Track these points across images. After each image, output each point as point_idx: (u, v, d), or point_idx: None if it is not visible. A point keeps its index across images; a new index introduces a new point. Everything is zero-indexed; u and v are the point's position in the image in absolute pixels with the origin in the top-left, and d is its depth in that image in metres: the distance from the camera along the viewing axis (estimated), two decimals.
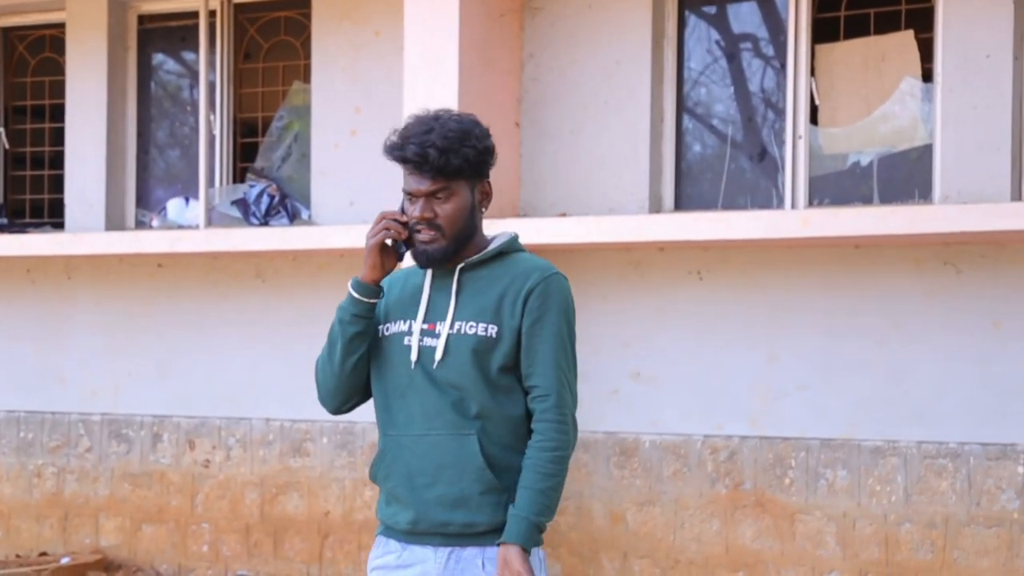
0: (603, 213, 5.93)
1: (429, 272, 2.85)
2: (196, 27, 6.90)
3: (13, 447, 7.12)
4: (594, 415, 5.95)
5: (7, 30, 7.37)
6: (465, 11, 5.71)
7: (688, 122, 6.11)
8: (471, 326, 2.76)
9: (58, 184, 7.20)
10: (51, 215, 7.26)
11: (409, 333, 2.82)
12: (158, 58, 7.19)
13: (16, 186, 7.41)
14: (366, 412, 6.46)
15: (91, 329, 6.94)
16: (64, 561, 6.70)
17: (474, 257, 2.82)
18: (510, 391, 2.76)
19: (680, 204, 6.04)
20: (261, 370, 6.60)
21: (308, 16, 6.68)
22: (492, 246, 2.84)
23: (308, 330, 6.52)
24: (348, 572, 6.40)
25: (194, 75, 7.04)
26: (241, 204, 6.71)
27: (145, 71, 7.12)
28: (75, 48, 7.03)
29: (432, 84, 5.72)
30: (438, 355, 2.77)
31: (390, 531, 2.91)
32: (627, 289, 5.97)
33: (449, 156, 2.75)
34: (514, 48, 6.10)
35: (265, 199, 6.65)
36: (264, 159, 6.85)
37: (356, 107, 6.47)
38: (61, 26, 7.16)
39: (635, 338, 5.94)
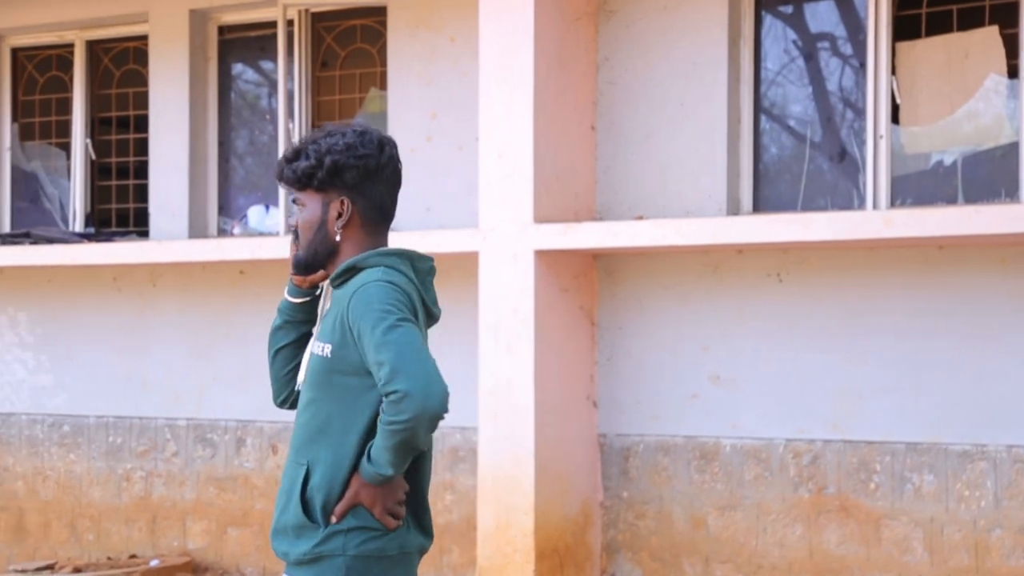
0: (680, 216, 5.73)
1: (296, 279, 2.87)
2: (275, 37, 6.81)
3: (102, 451, 7.08)
4: (673, 419, 5.77)
5: (92, 43, 7.33)
6: (540, 15, 5.56)
7: (765, 123, 5.90)
8: (318, 346, 2.75)
9: (143, 193, 7.15)
10: (136, 224, 7.21)
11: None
12: (237, 68, 7.12)
13: (102, 196, 7.38)
14: (448, 416, 6.34)
15: (175, 335, 6.88)
16: (153, 564, 6.64)
17: (334, 274, 2.77)
18: (352, 414, 2.68)
19: (758, 206, 5.82)
20: None
21: (384, 24, 6.56)
22: (346, 262, 2.75)
23: None
24: (422, 575, 6.27)
25: (273, 84, 6.95)
26: None
27: (225, 81, 7.05)
28: (158, 59, 6.98)
29: (507, 89, 5.58)
30: (301, 377, 2.82)
31: None
32: (705, 292, 5.78)
33: (284, 168, 2.79)
34: (589, 51, 5.92)
35: None
36: None
37: (432, 113, 6.33)
38: (144, 38, 7.11)
39: (714, 341, 5.75)
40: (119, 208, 7.33)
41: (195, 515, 6.82)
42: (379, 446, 2.62)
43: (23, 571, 6.69)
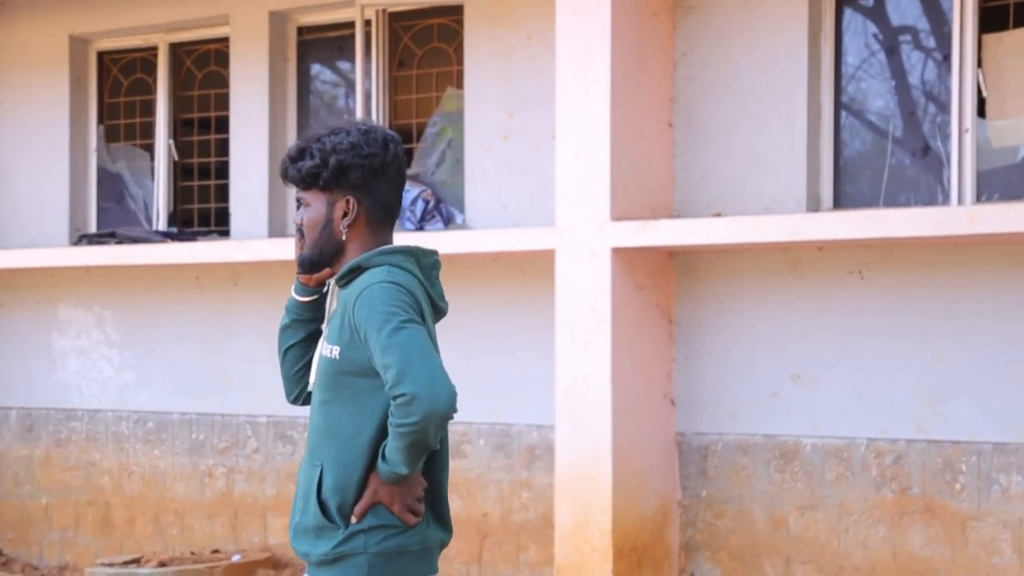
0: (759, 213, 5.62)
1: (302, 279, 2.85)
2: (352, 37, 6.81)
3: (186, 448, 7.14)
4: (752, 418, 5.66)
5: (175, 46, 7.39)
6: (617, 12, 5.48)
7: (846, 118, 5.76)
8: (326, 348, 2.74)
9: (224, 193, 7.19)
10: (217, 223, 7.26)
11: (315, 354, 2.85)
12: (315, 68, 7.13)
13: (185, 196, 7.44)
14: (525, 414, 6.31)
15: (256, 333, 6.90)
16: (235, 559, 6.68)
17: (339, 275, 2.75)
18: (364, 415, 2.67)
19: (839, 202, 5.69)
20: None
21: (460, 22, 6.52)
22: (350, 262, 2.73)
23: (461, 333, 6.37)
24: (507, 573, 6.22)
25: (350, 84, 6.95)
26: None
27: (304, 81, 7.07)
28: (239, 61, 7.01)
29: (584, 86, 5.51)
30: (311, 378, 2.80)
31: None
32: (784, 290, 5.66)
33: (290, 166, 2.77)
34: (667, 48, 5.83)
35: (420, 204, 6.52)
36: (419, 165, 6.72)
37: (508, 111, 6.28)
38: (225, 40, 7.15)
39: (794, 339, 5.63)
40: (201, 208, 7.38)
41: (275, 511, 6.84)
42: (392, 447, 2.62)
43: (111, 564, 6.76)
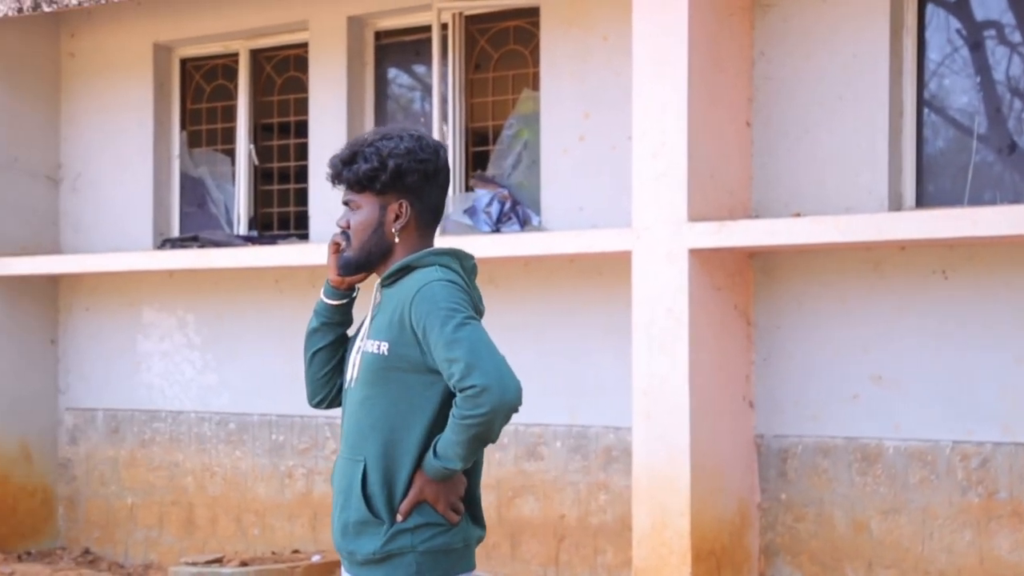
0: (840, 212, 5.52)
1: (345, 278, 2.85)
2: (429, 41, 6.81)
3: (266, 449, 7.19)
4: (833, 420, 5.56)
5: (256, 52, 7.46)
6: (694, 12, 5.42)
7: (929, 115, 5.64)
8: (372, 344, 2.74)
9: (303, 197, 7.24)
10: (297, 227, 7.31)
11: (351, 352, 2.85)
12: (392, 72, 7.15)
13: (265, 200, 7.50)
14: (601, 415, 6.26)
15: None
16: (315, 559, 6.70)
17: (386, 273, 2.78)
18: (411, 410, 2.69)
19: (922, 201, 5.57)
20: None
21: (536, 24, 6.50)
22: (399, 262, 2.77)
23: (538, 334, 6.34)
24: None
25: (426, 87, 6.96)
26: (473, 212, 6.59)
27: (381, 85, 7.09)
28: (317, 66, 7.06)
29: (661, 86, 5.45)
30: (355, 373, 2.78)
31: (333, 542, 2.91)
32: (866, 290, 5.55)
33: (343, 167, 2.78)
34: (744, 46, 5.75)
35: (496, 206, 6.50)
36: (495, 167, 6.70)
37: (585, 112, 6.25)
38: (304, 46, 7.20)
39: (875, 340, 5.52)
40: (280, 212, 7.43)
41: None
42: (450, 440, 2.63)
43: (194, 563, 6.83)
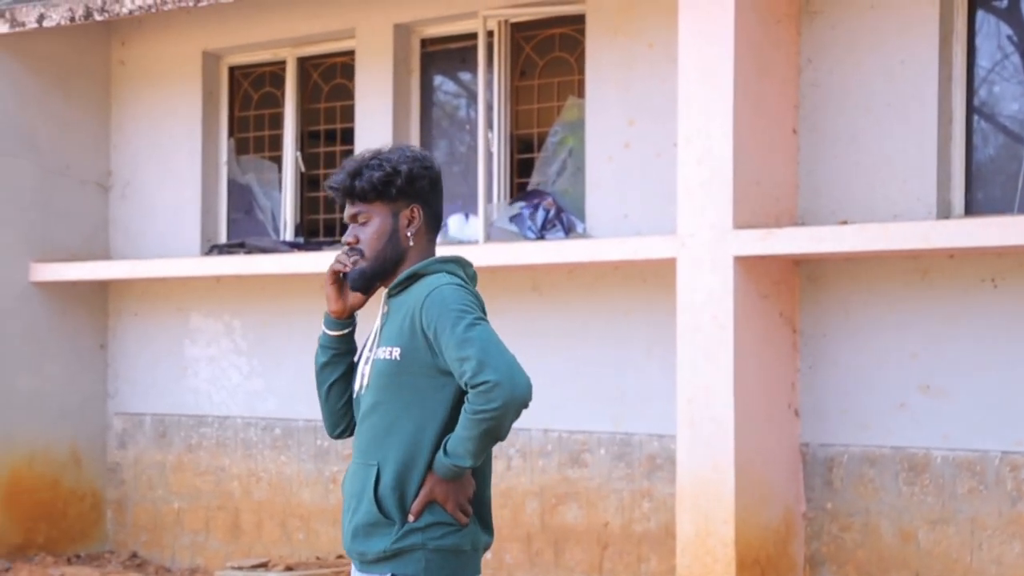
0: (887, 220, 5.46)
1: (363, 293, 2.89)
2: (475, 48, 6.82)
3: (311, 454, 7.22)
4: (880, 429, 5.49)
5: (303, 60, 7.50)
6: (740, 19, 5.39)
7: (978, 122, 5.57)
8: (383, 351, 2.79)
9: None
10: (342, 233, 7.31)
11: (359, 363, 2.90)
12: (438, 79, 7.16)
13: (311, 207, 7.53)
14: (646, 423, 6.23)
15: None
16: None
17: (394, 282, 2.83)
18: (424, 414, 2.74)
19: (970, 209, 5.50)
20: (537, 381, 6.35)
21: (582, 32, 6.49)
22: (408, 269, 2.82)
23: (582, 341, 6.33)
24: None
25: (472, 95, 6.96)
26: (518, 219, 6.59)
27: (427, 93, 7.10)
28: (363, 73, 7.08)
29: (707, 93, 5.42)
30: (364, 380, 2.83)
31: (344, 546, 2.95)
32: (913, 298, 5.49)
33: (355, 179, 2.81)
34: (791, 53, 5.71)
35: (541, 213, 6.49)
36: (540, 174, 6.69)
37: (630, 120, 6.23)
38: (351, 53, 7.23)
39: (923, 349, 5.45)
40: (326, 218, 7.46)
41: None
42: (461, 437, 2.68)
43: (239, 568, 6.87)
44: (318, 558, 7.04)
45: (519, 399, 2.66)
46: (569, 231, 6.44)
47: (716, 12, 5.38)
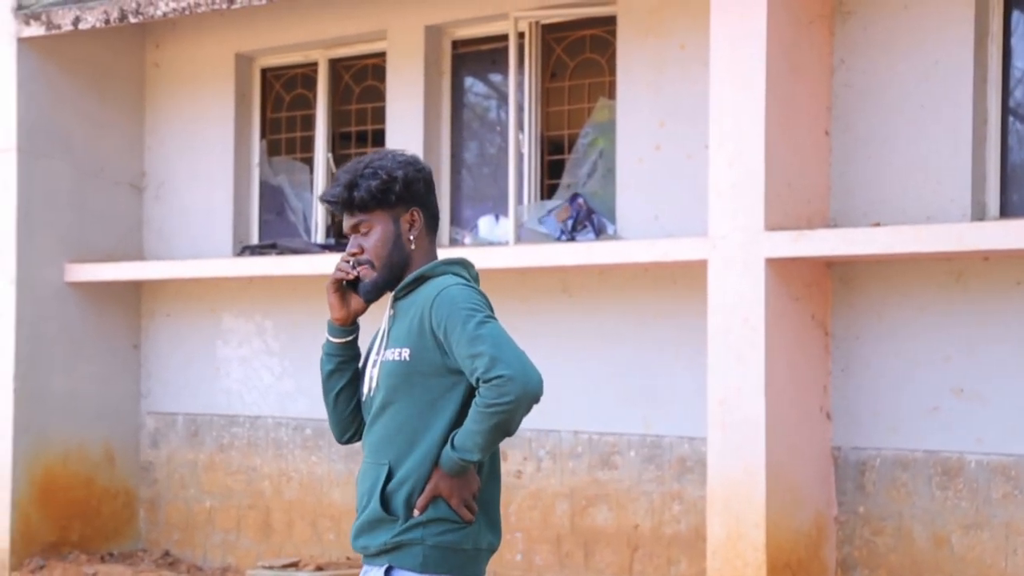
0: (920, 222, 5.40)
1: (373, 301, 2.90)
2: (505, 50, 6.79)
3: (341, 455, 7.21)
4: (913, 433, 5.43)
5: (334, 61, 7.50)
6: (772, 20, 5.34)
7: (1014, 124, 5.49)
8: (392, 352, 2.81)
9: None
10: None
11: (367, 366, 2.93)
12: (469, 81, 7.15)
13: None
14: (676, 425, 6.19)
15: None
16: None
17: (400, 286, 2.85)
18: (434, 414, 2.76)
19: (1006, 211, 5.42)
20: (568, 383, 6.41)
21: (613, 33, 6.45)
22: (414, 273, 2.85)
23: (612, 343, 6.29)
24: None
25: (502, 96, 6.94)
26: (548, 220, 6.55)
27: (458, 94, 7.08)
28: (395, 75, 7.07)
29: (738, 95, 5.38)
30: (374, 383, 2.85)
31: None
32: (947, 301, 5.42)
33: (353, 191, 2.81)
34: (823, 54, 5.66)
35: (572, 215, 6.47)
36: (570, 175, 6.66)
37: (660, 121, 6.18)
38: (382, 55, 7.22)
39: (957, 352, 5.38)
40: None
41: None
42: (470, 431, 2.70)
43: (270, 567, 6.87)
44: (348, 558, 7.03)
45: (532, 393, 2.68)
46: (599, 232, 6.40)
47: (748, 13, 5.33)
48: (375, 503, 2.78)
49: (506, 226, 6.75)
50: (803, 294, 5.53)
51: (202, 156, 7.73)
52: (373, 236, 2.84)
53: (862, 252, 5.22)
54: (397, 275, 2.87)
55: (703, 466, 5.76)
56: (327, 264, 6.84)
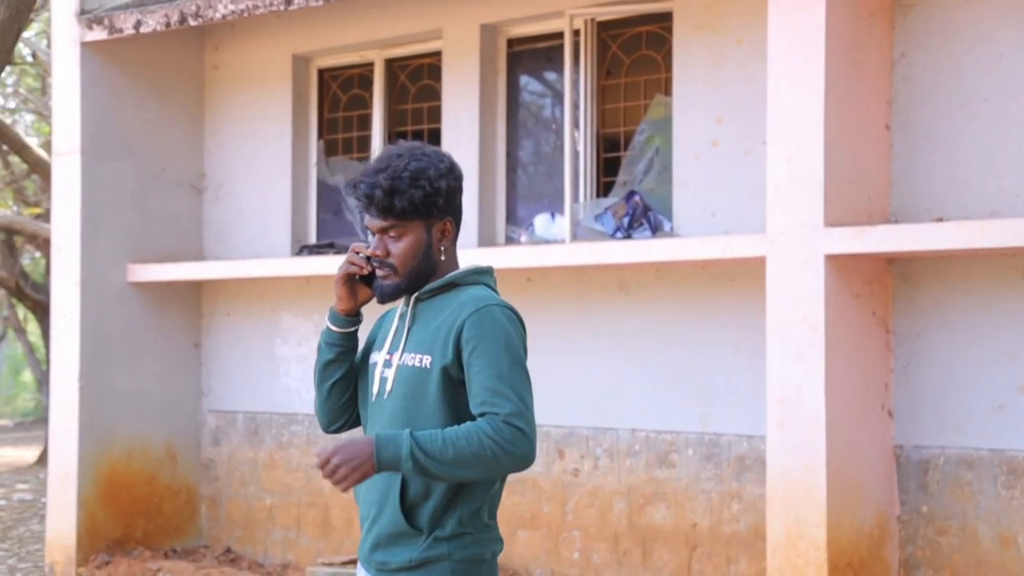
0: (984, 217, 5.28)
1: (402, 303, 2.82)
2: (561, 47, 6.75)
3: None
4: (977, 431, 5.32)
5: (391, 61, 7.50)
6: (832, 14, 5.25)
7: None
8: (412, 357, 2.73)
9: None
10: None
11: (377, 364, 2.82)
12: (524, 79, 7.11)
13: None
14: (734, 423, 6.11)
15: None
16: None
17: (427, 287, 2.77)
18: (446, 423, 2.67)
19: None
20: (624, 381, 6.36)
21: (669, 29, 6.38)
22: (444, 278, 2.77)
23: (669, 341, 6.23)
24: None
25: (558, 94, 6.90)
26: (604, 218, 6.50)
27: (513, 92, 7.05)
28: (450, 74, 7.05)
29: (797, 90, 5.29)
30: (388, 386, 2.75)
31: (360, 555, 2.87)
32: (1012, 298, 5.30)
33: (394, 198, 2.70)
34: (884, 48, 5.56)
35: (628, 212, 6.41)
36: (626, 173, 6.61)
37: (717, 117, 6.11)
38: (438, 54, 7.21)
39: (1022, 350, 5.26)
40: None
41: None
42: (452, 441, 2.56)
43: (330, 564, 6.89)
44: None
45: (528, 461, 2.61)
46: (656, 230, 6.34)
47: (807, 7, 5.25)
48: (396, 515, 2.69)
49: (562, 224, 6.71)
50: (864, 291, 5.44)
51: (260, 157, 7.77)
52: (404, 243, 2.74)
53: (924, 248, 5.12)
54: (421, 283, 2.78)
55: (762, 464, 5.68)
56: None
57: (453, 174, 2.77)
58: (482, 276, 2.80)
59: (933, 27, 5.47)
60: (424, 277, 2.77)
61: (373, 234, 2.78)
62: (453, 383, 2.68)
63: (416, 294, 2.78)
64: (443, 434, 2.59)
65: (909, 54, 5.53)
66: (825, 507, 5.14)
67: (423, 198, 2.71)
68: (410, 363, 2.72)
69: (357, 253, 2.79)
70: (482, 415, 2.61)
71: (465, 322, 2.66)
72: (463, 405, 2.68)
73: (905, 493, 5.48)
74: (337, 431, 2.93)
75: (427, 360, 2.70)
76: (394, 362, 2.76)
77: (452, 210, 2.78)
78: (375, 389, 2.80)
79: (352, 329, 2.85)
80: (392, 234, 2.75)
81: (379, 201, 2.72)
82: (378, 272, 2.77)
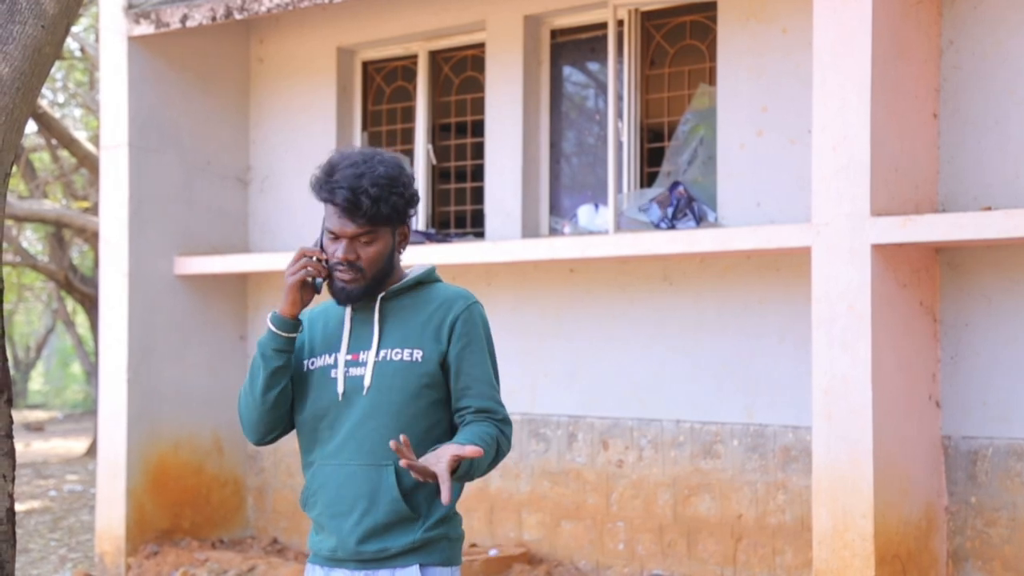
0: None
1: (348, 306, 2.84)
2: (604, 38, 6.74)
3: None
4: None
5: (434, 53, 7.52)
6: (878, 1, 5.21)
7: None
8: (396, 352, 2.78)
9: (479, 196, 7.26)
10: (473, 225, 7.33)
11: (335, 366, 2.82)
12: (567, 70, 7.10)
13: (442, 199, 7.55)
14: (780, 414, 6.08)
15: (508, 332, 6.93)
16: (492, 553, 6.72)
17: (394, 287, 2.83)
18: (435, 416, 2.80)
19: None
20: (668, 372, 6.35)
21: (713, 19, 6.36)
22: (410, 276, 2.86)
23: (714, 332, 6.21)
24: None
25: (601, 85, 6.89)
26: (648, 208, 6.49)
27: (556, 83, 7.05)
28: (494, 65, 7.06)
29: (843, 78, 5.26)
30: (366, 382, 2.78)
31: (316, 557, 2.89)
32: None
33: (380, 204, 2.75)
34: (931, 36, 5.50)
35: (672, 202, 6.40)
36: (670, 163, 6.59)
37: (762, 106, 6.08)
38: (481, 46, 7.22)
39: None
40: (457, 210, 7.47)
41: (530, 507, 6.86)
42: (490, 455, 2.75)
43: None
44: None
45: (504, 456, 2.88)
46: (700, 220, 6.32)
47: None
48: (394, 505, 2.74)
49: (606, 215, 6.70)
50: (911, 281, 5.40)
51: (305, 149, 7.81)
52: (374, 248, 2.78)
53: (972, 237, 5.07)
54: (382, 285, 2.83)
55: (808, 455, 5.66)
56: (426, 254, 6.88)
57: (412, 181, 2.87)
58: (436, 274, 2.93)
59: (981, 14, 5.42)
60: (384, 279, 2.84)
61: (337, 238, 2.79)
62: (443, 373, 2.82)
63: (383, 294, 2.84)
64: (476, 435, 2.76)
65: (957, 41, 5.48)
66: (872, 498, 5.11)
67: (403, 205, 2.81)
68: (395, 358, 2.79)
69: (309, 257, 2.81)
70: (479, 410, 2.78)
71: (459, 321, 2.81)
72: (448, 393, 2.83)
73: (953, 484, 5.44)
74: (271, 441, 2.93)
75: (418, 353, 2.79)
76: (367, 360, 2.79)
77: (410, 215, 2.90)
78: (340, 389, 2.80)
79: (296, 334, 2.85)
80: (364, 239, 2.79)
81: (366, 209, 2.75)
82: (343, 276, 2.78)
